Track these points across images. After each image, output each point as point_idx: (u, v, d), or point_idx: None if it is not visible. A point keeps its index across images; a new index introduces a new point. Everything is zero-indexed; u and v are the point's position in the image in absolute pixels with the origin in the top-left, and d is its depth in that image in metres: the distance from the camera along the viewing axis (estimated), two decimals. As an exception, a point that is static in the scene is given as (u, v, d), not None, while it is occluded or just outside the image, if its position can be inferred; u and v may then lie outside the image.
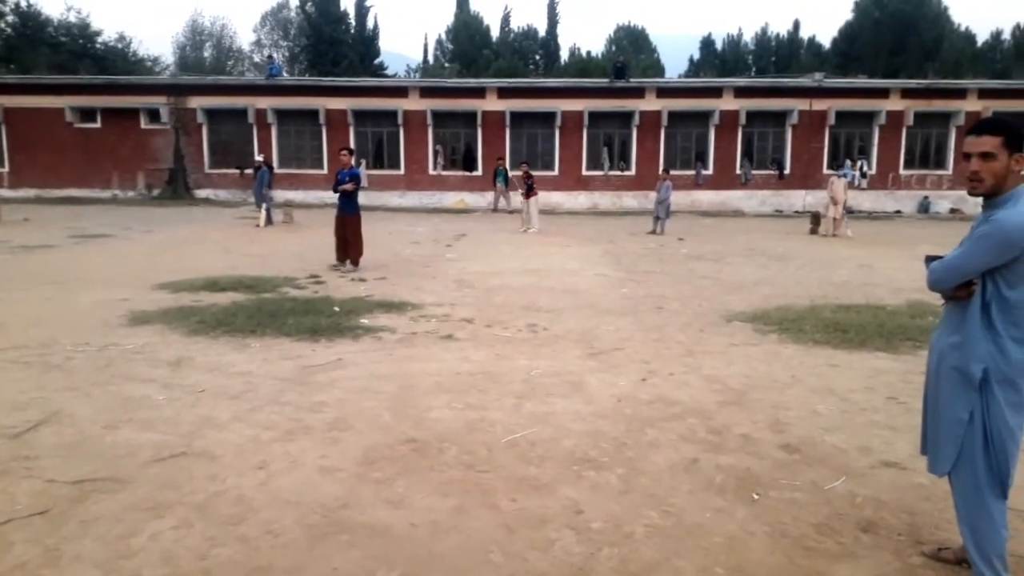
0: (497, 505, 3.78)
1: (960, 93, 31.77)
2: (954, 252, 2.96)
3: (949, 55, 55.76)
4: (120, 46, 51.12)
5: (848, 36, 59.32)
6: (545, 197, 24.19)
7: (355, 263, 12.51)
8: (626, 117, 31.58)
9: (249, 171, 27.90)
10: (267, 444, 4.53)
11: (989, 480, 2.90)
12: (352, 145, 31.27)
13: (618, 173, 31.90)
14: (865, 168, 31.53)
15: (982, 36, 61.55)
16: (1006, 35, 59.90)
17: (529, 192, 20.97)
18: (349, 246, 12.54)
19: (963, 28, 61.21)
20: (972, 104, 31.20)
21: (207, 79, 36.54)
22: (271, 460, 4.28)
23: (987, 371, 2.87)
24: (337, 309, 8.66)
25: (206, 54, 66.20)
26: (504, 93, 31.85)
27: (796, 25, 69.84)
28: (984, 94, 31.61)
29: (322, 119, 31.23)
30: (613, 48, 69.24)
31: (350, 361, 6.49)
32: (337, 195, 12.79)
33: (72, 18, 48.27)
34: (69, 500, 3.72)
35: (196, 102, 31.20)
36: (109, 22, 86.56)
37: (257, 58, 64.20)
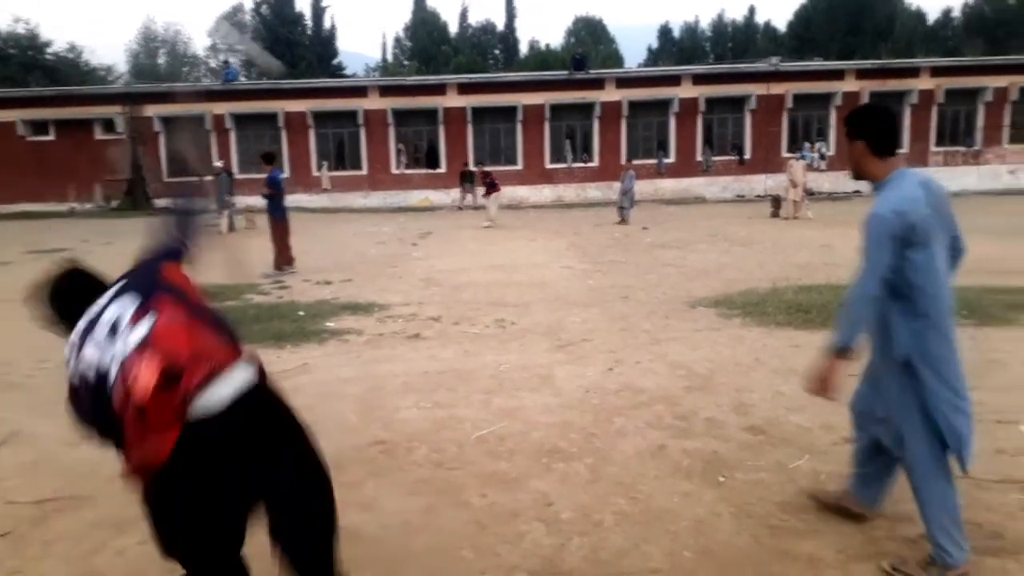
0: (468, 502, 3.79)
1: (913, 72, 32.38)
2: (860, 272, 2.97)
3: (901, 35, 56.81)
4: (71, 56, 50.21)
5: (803, 19, 60.16)
6: (510, 191, 24.31)
7: (276, 267, 12.23)
8: (587, 109, 31.70)
9: (210, 178, 27.57)
10: (234, 453, 4.49)
11: (932, 453, 2.96)
12: (313, 146, 31.19)
13: (581, 165, 32.02)
14: (824, 150, 31.99)
15: (933, 15, 62.86)
16: (956, 12, 61.16)
17: (491, 189, 20.99)
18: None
19: (914, 7, 62.50)
20: (925, 82, 31.81)
21: (162, 86, 36.00)
22: (238, 469, 4.25)
23: (909, 355, 2.94)
24: (302, 313, 8.60)
25: (160, 61, 65.21)
26: (465, 89, 31.81)
27: (752, 10, 70.63)
28: (937, 72, 32.23)
29: (281, 122, 30.95)
30: (572, 40, 69.44)
31: (316, 365, 6.45)
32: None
33: (20, 29, 47.27)
34: (31, 521, 3.67)
35: (152, 110, 30.74)
36: (59, 32, 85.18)
37: (213, 63, 63.38)
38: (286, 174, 30.62)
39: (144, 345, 1.93)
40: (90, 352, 2.01)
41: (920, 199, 2.88)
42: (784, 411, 4.96)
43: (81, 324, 2.12)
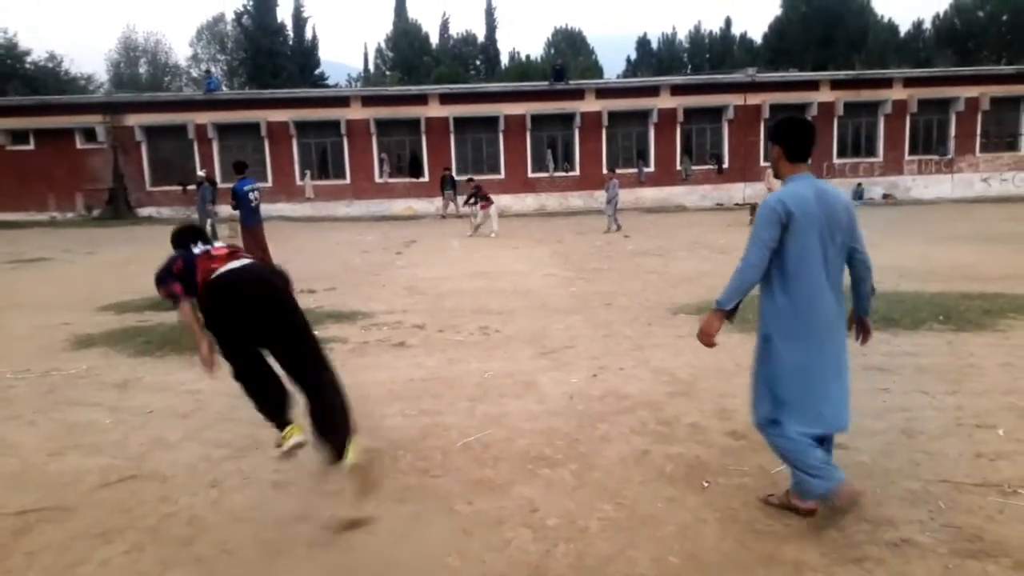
0: (453, 509, 3.80)
1: (886, 82, 32.79)
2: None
3: (874, 46, 57.54)
4: (51, 65, 49.68)
5: (778, 31, 60.71)
6: (493, 200, 24.13)
7: None
8: (568, 119, 31.85)
9: (192, 187, 27.40)
10: (219, 462, 4.48)
11: (774, 411, 3.45)
12: (296, 156, 31.10)
13: (563, 174, 32.13)
14: (802, 159, 32.26)
15: (904, 27, 63.67)
16: (927, 24, 62.01)
17: (485, 202, 20.77)
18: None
19: (886, 19, 63.20)
20: (898, 93, 32.23)
21: (144, 96, 35.74)
22: (224, 478, 4.24)
23: (770, 331, 3.46)
24: (286, 323, 8.55)
25: (141, 70, 64.82)
26: (446, 99, 31.85)
27: (728, 22, 71.44)
28: (909, 83, 32.66)
29: (264, 132, 30.82)
30: (552, 51, 69.72)
31: (301, 374, 6.42)
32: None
33: (-1, 39, 46.75)
34: (13, 532, 3.64)
35: (133, 120, 30.51)
36: (38, 41, 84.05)
37: (195, 73, 63.06)
38: (268, 183, 30.55)
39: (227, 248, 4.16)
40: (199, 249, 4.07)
41: (806, 198, 3.33)
42: (766, 417, 5.00)
43: (197, 250, 4.05)
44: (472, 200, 21.15)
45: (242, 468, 4.37)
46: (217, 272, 3.87)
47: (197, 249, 4.05)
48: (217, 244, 4.18)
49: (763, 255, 3.34)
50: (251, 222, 12.41)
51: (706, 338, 3.54)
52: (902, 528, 3.45)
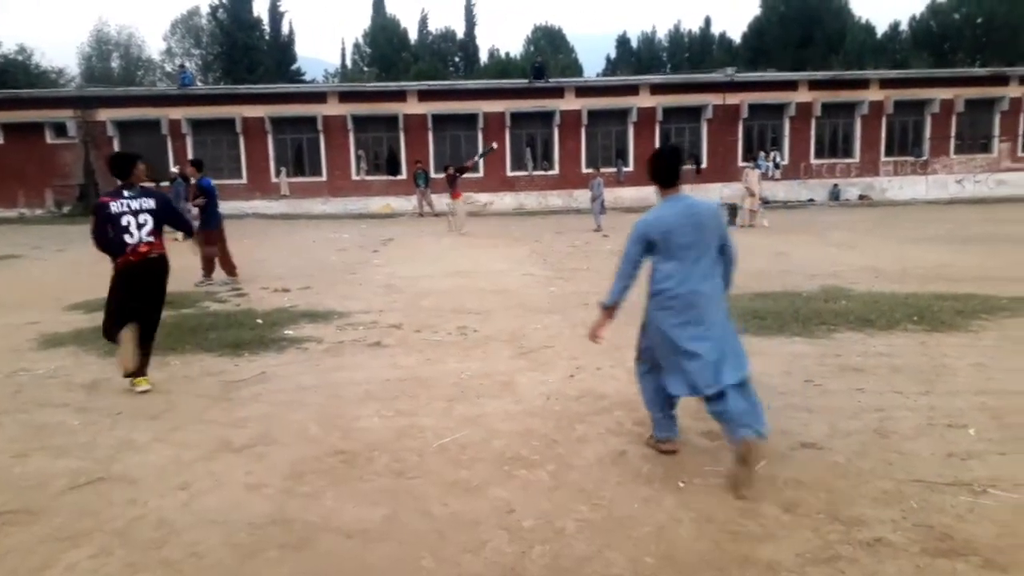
0: (428, 511, 3.77)
1: (863, 84, 33.13)
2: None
3: (852, 47, 58.16)
4: (21, 58, 48.89)
5: (757, 31, 61.16)
6: (472, 198, 24.12)
7: (205, 274, 11.74)
8: (547, 117, 31.84)
9: (165, 184, 27.07)
10: (189, 464, 4.41)
11: (640, 369, 4.48)
12: (271, 152, 30.84)
13: (542, 173, 32.12)
14: (778, 159, 32.53)
15: (881, 28, 64.36)
16: (903, 26, 62.70)
17: (455, 192, 20.85)
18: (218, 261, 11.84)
19: (864, 21, 63.87)
20: (875, 94, 32.57)
21: (116, 90, 35.28)
22: (194, 480, 4.17)
23: (649, 316, 4.26)
24: (260, 321, 8.48)
25: (114, 64, 63.95)
26: (425, 96, 31.74)
27: (707, 22, 71.65)
28: (885, 84, 33.02)
29: (239, 128, 30.54)
30: (531, 49, 69.70)
31: (275, 374, 6.36)
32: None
33: (-34, 31, 45.93)
34: (-22, 536, 3.55)
35: (105, 114, 30.11)
36: (7, 32, 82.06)
37: (169, 67, 62.34)
38: (243, 180, 30.33)
39: (151, 232, 5.91)
40: (125, 220, 5.80)
41: (668, 217, 4.09)
42: (742, 416, 5.01)
43: (123, 204, 5.84)
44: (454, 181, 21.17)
45: (213, 470, 4.31)
46: (132, 263, 5.80)
47: (129, 238, 5.80)
48: (140, 201, 5.90)
49: (630, 265, 4.20)
50: (216, 221, 11.86)
51: (593, 336, 4.45)
52: (875, 528, 3.47)
